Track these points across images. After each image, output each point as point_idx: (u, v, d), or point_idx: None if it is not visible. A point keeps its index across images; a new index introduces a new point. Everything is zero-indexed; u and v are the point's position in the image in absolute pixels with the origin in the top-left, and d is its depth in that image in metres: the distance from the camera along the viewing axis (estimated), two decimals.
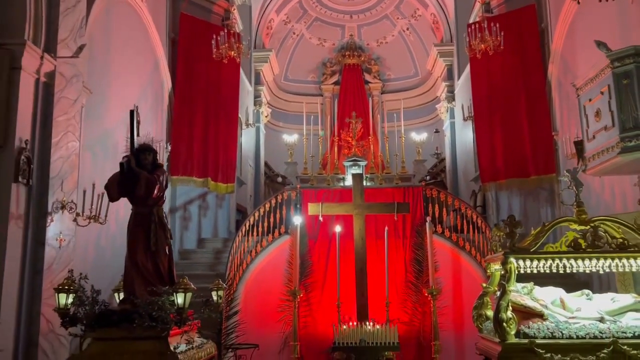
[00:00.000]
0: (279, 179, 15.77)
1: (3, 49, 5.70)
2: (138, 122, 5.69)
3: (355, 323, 7.97)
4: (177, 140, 10.18)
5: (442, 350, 8.44)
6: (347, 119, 14.79)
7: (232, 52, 9.84)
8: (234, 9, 11.41)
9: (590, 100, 6.69)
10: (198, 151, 10.38)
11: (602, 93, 6.38)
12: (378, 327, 7.63)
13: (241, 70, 11.82)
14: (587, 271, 5.30)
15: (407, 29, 17.20)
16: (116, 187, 5.28)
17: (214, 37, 9.74)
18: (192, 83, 10.45)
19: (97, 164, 7.45)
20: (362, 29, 17.67)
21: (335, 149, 14.30)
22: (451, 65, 14.77)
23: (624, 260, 5.07)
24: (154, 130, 9.29)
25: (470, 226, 9.48)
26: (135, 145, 5.40)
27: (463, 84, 13.41)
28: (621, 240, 5.12)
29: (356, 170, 13.21)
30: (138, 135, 5.55)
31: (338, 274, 8.47)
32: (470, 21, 12.28)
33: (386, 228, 8.77)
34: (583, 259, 5.10)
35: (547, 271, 5.21)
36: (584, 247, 5.13)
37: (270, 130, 16.51)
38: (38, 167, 6.04)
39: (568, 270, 5.16)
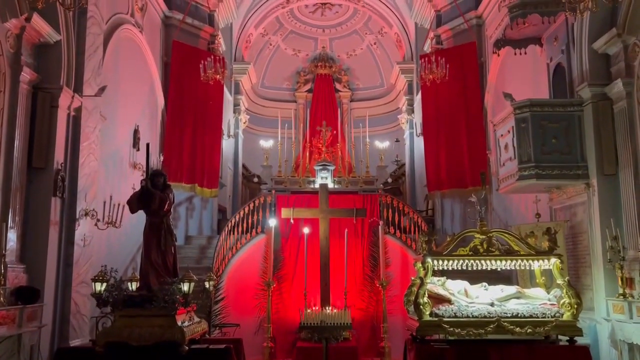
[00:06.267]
0: (255, 179, 17.49)
1: (45, 92, 7.44)
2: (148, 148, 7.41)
3: (318, 308, 9.91)
4: (169, 150, 11.96)
5: (389, 331, 10.40)
6: (318, 127, 16.61)
7: (217, 76, 11.57)
8: (219, 38, 13.16)
9: (502, 135, 8.75)
10: (187, 160, 12.18)
11: (509, 131, 8.43)
12: (335, 311, 9.60)
13: (225, 88, 13.59)
14: (488, 269, 7.31)
15: (374, 43, 19.14)
16: (136, 203, 7.09)
17: (202, 62, 11.44)
18: (182, 101, 12.21)
19: (108, 177, 9.26)
20: (333, 42, 19.52)
21: (307, 153, 16.02)
22: (411, 81, 16.73)
23: (509, 262, 7.12)
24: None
25: (416, 228, 11.54)
26: (150, 170, 7.21)
27: (420, 101, 15.39)
28: (507, 247, 7.18)
29: (325, 174, 15.03)
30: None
31: (305, 267, 10.28)
32: (425, 48, 14.30)
33: (346, 230, 10.68)
34: (480, 260, 7.13)
35: (457, 269, 7.22)
36: (481, 252, 7.16)
37: (248, 134, 18.22)
38: (69, 183, 7.83)
39: (470, 269, 7.16)
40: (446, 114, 12.40)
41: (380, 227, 11.17)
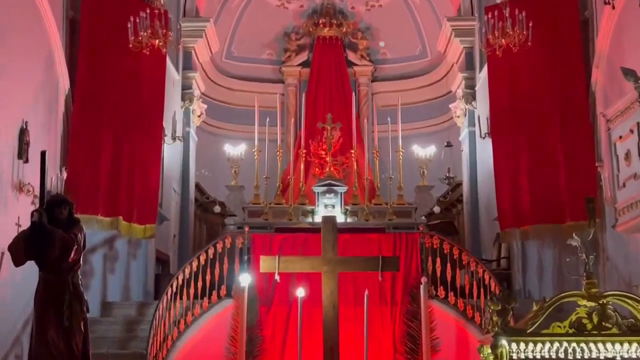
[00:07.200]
0: (217, 209, 17.48)
1: None
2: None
3: None
4: (76, 163, 11.97)
5: None
6: (319, 124, 16.70)
7: (157, 41, 11.63)
8: None
9: (620, 137, 8.79)
10: (105, 179, 12.17)
11: (631, 131, 8.47)
12: None
13: (167, 59, 13.65)
14: (601, 357, 7.28)
15: None
16: (23, 249, 7.10)
17: (131, 19, 11.50)
18: (98, 83, 12.27)
19: None
20: None
21: (302, 166, 16.04)
22: (472, 49, 16.81)
23: (635, 345, 7.09)
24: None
25: (482, 289, 11.52)
26: (47, 196, 7.25)
27: (487, 81, 15.30)
28: (632, 321, 7.16)
29: (331, 199, 15.13)
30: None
31: (299, 354, 10.26)
32: None
33: (366, 292, 10.62)
34: (588, 342, 7.10)
35: (551, 357, 7.20)
36: (589, 328, 7.14)
37: (205, 134, 18.39)
38: None
39: (571, 356, 7.13)
40: (529, 102, 12.42)
41: (422, 287, 11.15)
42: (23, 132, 10.57)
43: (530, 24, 11.18)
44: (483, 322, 10.58)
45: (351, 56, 19.77)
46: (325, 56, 19.53)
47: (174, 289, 11.56)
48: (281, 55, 19.99)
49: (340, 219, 13.83)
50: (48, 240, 7.03)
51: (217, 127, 18.79)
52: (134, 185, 12.62)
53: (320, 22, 19.62)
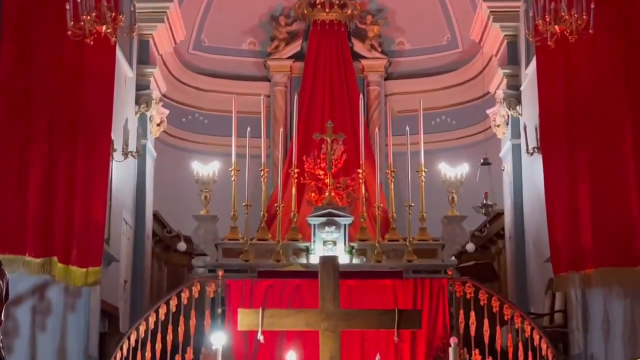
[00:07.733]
0: (181, 246, 17.42)
1: None
2: None
3: None
4: None
5: None
6: (316, 135, 16.65)
7: (104, 28, 11.56)
8: None
9: None
10: (35, 208, 12.03)
11: None
12: None
13: (118, 51, 13.61)
14: None
15: None
16: None
17: None
18: (26, 81, 12.22)
19: None
20: None
21: (294, 190, 16.01)
22: (515, 37, 16.80)
23: None
24: None
25: (530, 352, 11.45)
26: None
27: (535, 79, 15.19)
28: None
29: (332, 233, 15.06)
30: None
31: None
32: None
33: (377, 356, 10.60)
34: None
35: None
36: None
37: (166, 148, 18.46)
38: None
39: None
40: (590, 107, 12.36)
41: (451, 350, 11.09)
42: None
43: (592, 6, 11.13)
44: None
45: (358, 46, 19.81)
46: (325, 46, 19.53)
47: (125, 352, 11.53)
48: (267, 45, 20.00)
49: (344, 259, 13.77)
50: None
51: (182, 139, 18.78)
52: (73, 215, 12.44)
53: (318, 2, 19.62)
